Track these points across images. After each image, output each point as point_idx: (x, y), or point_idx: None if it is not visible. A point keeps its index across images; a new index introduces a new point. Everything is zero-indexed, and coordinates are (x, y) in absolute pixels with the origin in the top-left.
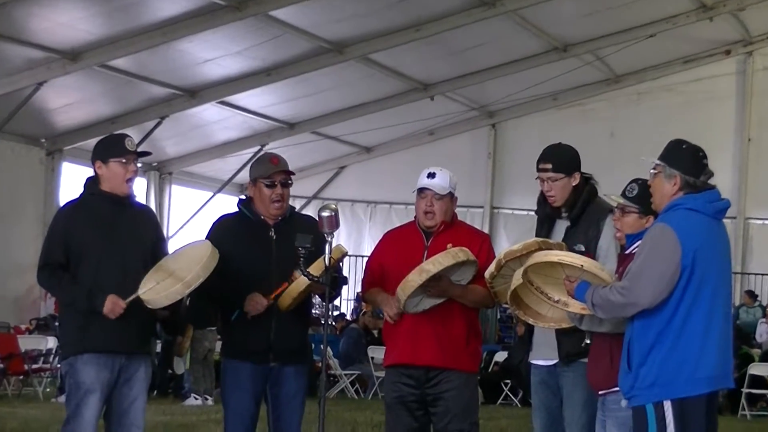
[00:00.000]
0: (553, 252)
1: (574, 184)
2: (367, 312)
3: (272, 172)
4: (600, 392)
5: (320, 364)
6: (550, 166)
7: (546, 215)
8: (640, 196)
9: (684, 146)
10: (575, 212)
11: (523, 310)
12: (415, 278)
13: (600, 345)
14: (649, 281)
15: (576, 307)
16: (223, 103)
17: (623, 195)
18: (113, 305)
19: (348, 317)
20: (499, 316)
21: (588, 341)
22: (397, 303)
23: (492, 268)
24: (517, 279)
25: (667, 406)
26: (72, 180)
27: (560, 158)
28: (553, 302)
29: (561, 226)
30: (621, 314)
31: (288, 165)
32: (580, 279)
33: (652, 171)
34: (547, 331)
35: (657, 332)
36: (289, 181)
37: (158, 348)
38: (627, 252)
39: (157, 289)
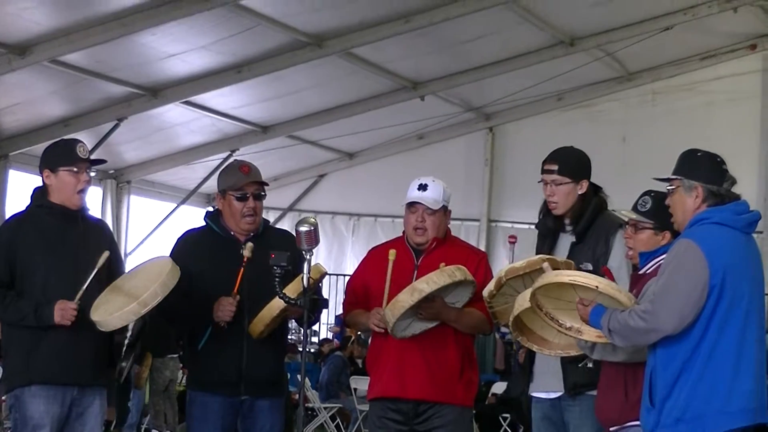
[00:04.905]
0: (563, 272)
1: (580, 193)
2: (354, 340)
3: (243, 183)
4: (611, 429)
5: (297, 397)
6: (555, 167)
7: (548, 229)
8: (655, 209)
9: (699, 154)
10: (581, 226)
11: (526, 336)
12: (406, 298)
13: (611, 375)
14: (674, 304)
15: (591, 335)
16: (188, 103)
17: (635, 209)
18: (62, 311)
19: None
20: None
21: (590, 364)
22: (385, 324)
23: (491, 286)
24: (521, 303)
25: None
26: (19, 190)
27: (568, 161)
28: (564, 329)
29: (565, 242)
30: (642, 342)
31: (261, 174)
32: (595, 302)
33: (669, 187)
34: (551, 360)
35: (683, 361)
36: (263, 193)
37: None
38: (641, 272)
39: (110, 309)
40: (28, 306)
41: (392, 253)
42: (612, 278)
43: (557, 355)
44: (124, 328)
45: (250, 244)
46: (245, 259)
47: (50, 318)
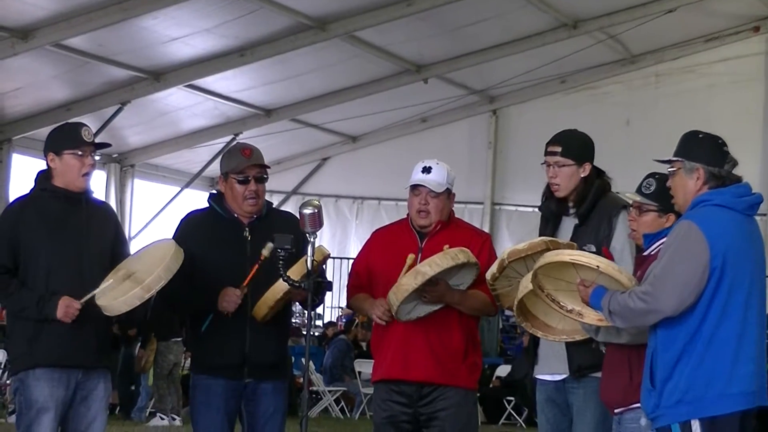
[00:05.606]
0: (564, 251)
1: (583, 175)
2: (359, 323)
3: (245, 166)
4: (616, 410)
5: (301, 380)
6: (559, 149)
7: (551, 212)
8: (659, 192)
9: (700, 135)
10: (584, 208)
11: (530, 322)
12: (409, 282)
13: (616, 357)
14: (674, 285)
15: (592, 317)
16: (191, 86)
17: (639, 191)
18: (67, 308)
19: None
20: (501, 326)
21: (603, 348)
22: (389, 309)
23: (494, 268)
24: (524, 287)
25: (696, 426)
26: (22, 173)
27: (572, 143)
28: (565, 312)
29: (568, 225)
30: (642, 323)
31: (263, 157)
32: (595, 283)
33: (670, 169)
34: (555, 342)
35: (683, 343)
36: (265, 176)
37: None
38: (646, 254)
39: (114, 294)
40: (30, 298)
41: (410, 258)
42: (612, 260)
43: (562, 341)
44: (132, 317)
45: (270, 244)
46: (262, 257)
47: (53, 312)
